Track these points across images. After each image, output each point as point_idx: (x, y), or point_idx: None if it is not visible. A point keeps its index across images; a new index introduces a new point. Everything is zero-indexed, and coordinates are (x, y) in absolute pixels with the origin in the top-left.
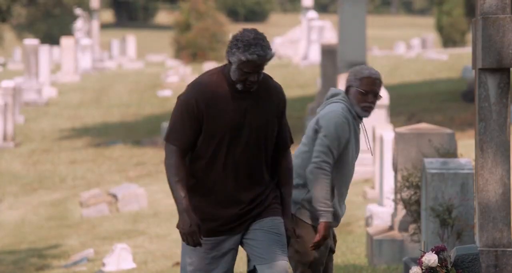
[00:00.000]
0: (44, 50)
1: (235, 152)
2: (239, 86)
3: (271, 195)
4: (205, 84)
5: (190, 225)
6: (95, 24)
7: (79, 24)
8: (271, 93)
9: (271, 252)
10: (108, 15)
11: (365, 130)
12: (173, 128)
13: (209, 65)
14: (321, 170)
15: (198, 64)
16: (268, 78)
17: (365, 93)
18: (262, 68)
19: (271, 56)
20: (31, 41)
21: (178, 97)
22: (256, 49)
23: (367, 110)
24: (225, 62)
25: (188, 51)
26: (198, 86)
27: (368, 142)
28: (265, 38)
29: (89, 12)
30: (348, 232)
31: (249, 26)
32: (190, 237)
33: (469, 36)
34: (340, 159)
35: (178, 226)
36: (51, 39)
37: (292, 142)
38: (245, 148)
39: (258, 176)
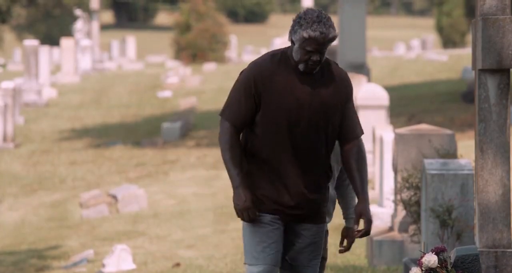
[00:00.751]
0: (44, 51)
1: (294, 134)
2: (301, 67)
3: (325, 193)
4: (265, 64)
5: (244, 200)
6: (95, 25)
7: (79, 25)
8: (334, 79)
9: (299, 260)
10: (108, 16)
11: None
12: (229, 103)
13: (209, 66)
14: None
15: (198, 65)
16: (333, 64)
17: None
18: (325, 48)
19: (334, 35)
20: (31, 42)
21: (240, 74)
22: (318, 26)
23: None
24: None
25: (188, 52)
26: (259, 65)
27: None
28: (329, 17)
29: (89, 13)
30: None
31: (249, 27)
32: (245, 212)
33: (469, 37)
34: None
35: (233, 202)
36: (51, 40)
37: (362, 132)
38: (304, 131)
39: (317, 165)
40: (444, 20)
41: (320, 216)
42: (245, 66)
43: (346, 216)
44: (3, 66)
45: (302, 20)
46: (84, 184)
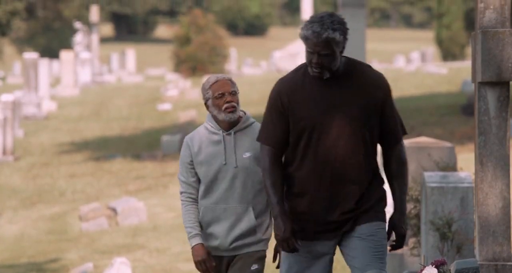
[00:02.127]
0: (44, 64)
1: (325, 146)
2: (310, 71)
3: (374, 196)
4: (289, 78)
5: (284, 230)
6: (95, 38)
7: (78, 37)
8: (364, 83)
9: (365, 262)
10: (107, 29)
11: (233, 142)
12: (263, 126)
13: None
14: (181, 200)
15: (198, 77)
16: (365, 66)
17: (220, 96)
18: (323, 49)
19: (328, 36)
20: (30, 55)
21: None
22: (314, 26)
23: (231, 111)
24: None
25: (187, 65)
26: (282, 81)
27: (232, 156)
28: (337, 21)
29: (89, 25)
30: None
31: (249, 40)
32: (285, 243)
33: (469, 50)
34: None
35: (274, 232)
36: (51, 53)
37: (404, 133)
38: (338, 142)
39: (355, 173)
40: (443, 33)
41: (370, 215)
42: (245, 79)
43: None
44: (3, 79)
45: (307, 20)
46: (84, 197)
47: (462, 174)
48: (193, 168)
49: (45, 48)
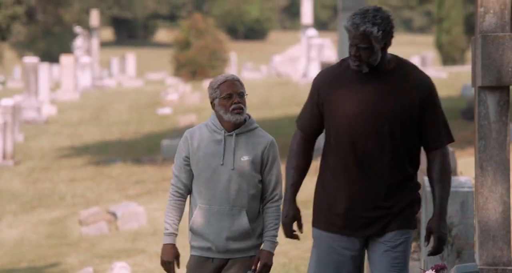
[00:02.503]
0: (44, 68)
1: (353, 142)
2: (350, 63)
3: (403, 200)
4: (330, 70)
5: (286, 216)
6: (95, 42)
7: (78, 42)
8: (408, 83)
9: (384, 271)
10: (108, 33)
11: (234, 144)
12: (301, 111)
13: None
14: (170, 192)
15: (198, 81)
16: (410, 67)
17: (228, 96)
18: (362, 43)
19: (366, 30)
20: (30, 59)
21: None
22: (355, 17)
23: (238, 112)
24: None
25: (187, 69)
26: (323, 72)
27: (231, 157)
28: (381, 16)
29: (89, 30)
30: None
31: (249, 44)
32: (284, 227)
33: (469, 54)
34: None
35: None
36: (51, 57)
37: (449, 140)
38: (372, 139)
39: (383, 172)
40: (443, 37)
41: (399, 222)
42: (245, 83)
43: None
44: (3, 83)
45: (353, 12)
46: (84, 202)
47: (462, 178)
48: (188, 165)
49: (45, 52)
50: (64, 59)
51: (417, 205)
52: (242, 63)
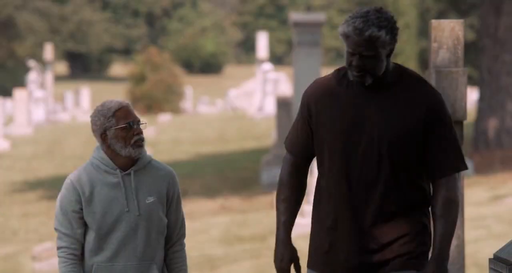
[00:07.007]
0: None
1: (350, 162)
2: (349, 75)
3: (407, 237)
4: (320, 83)
5: (281, 259)
6: (49, 76)
7: (32, 76)
8: (413, 98)
9: None
10: (62, 67)
11: (134, 184)
12: (290, 131)
13: (164, 117)
14: (60, 257)
15: (153, 115)
16: (417, 79)
17: (129, 126)
18: (366, 50)
19: (371, 34)
20: None
21: None
22: (355, 21)
23: (140, 145)
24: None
25: (143, 103)
26: (315, 83)
27: (134, 201)
28: (385, 18)
29: (43, 64)
30: None
31: (205, 78)
32: None
33: None
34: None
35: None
36: (4, 91)
37: (459, 167)
38: (363, 159)
39: (388, 204)
40: None
41: (402, 262)
42: (201, 117)
43: None
44: None
45: (349, 15)
46: (37, 237)
47: None
48: (82, 218)
49: None
50: (18, 93)
51: (421, 239)
52: (198, 97)
